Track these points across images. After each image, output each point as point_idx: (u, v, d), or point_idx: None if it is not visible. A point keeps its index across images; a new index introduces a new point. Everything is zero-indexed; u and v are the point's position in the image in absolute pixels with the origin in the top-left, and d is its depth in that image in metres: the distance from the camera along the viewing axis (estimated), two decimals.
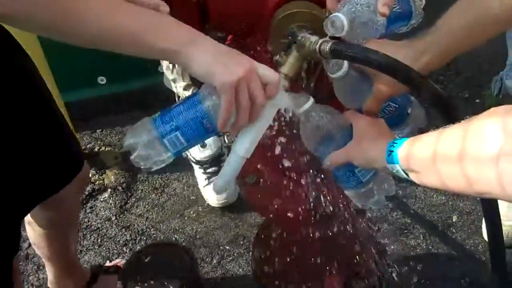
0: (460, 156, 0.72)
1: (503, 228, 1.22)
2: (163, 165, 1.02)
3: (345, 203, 1.40)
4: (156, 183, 2.41)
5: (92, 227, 2.25)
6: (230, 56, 0.94)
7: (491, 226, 1.05)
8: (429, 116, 1.14)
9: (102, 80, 2.54)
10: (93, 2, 0.87)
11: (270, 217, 1.69)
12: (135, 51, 0.93)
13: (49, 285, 1.87)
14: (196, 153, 2.26)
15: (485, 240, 2.03)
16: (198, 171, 2.33)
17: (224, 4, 1.14)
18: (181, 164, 2.45)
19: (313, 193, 1.40)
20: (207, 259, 2.10)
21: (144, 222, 2.25)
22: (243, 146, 1.00)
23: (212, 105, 0.96)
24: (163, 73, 2.35)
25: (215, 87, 0.92)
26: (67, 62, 2.27)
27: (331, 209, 1.44)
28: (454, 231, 2.13)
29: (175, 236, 2.20)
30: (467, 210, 2.18)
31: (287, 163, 1.38)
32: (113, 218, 2.28)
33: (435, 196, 2.24)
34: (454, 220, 2.16)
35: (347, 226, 1.53)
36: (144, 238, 2.20)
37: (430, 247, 2.06)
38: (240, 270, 2.05)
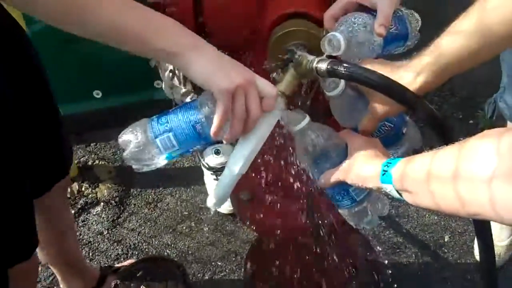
0: (453, 177, 0.72)
1: (495, 248, 1.22)
2: (155, 167, 1.02)
3: (338, 220, 1.40)
4: (149, 197, 2.41)
5: (84, 240, 2.24)
6: (231, 64, 0.95)
7: (484, 246, 1.06)
8: (424, 136, 1.14)
9: (97, 94, 2.55)
10: None
11: (263, 233, 1.69)
12: (138, 49, 0.94)
13: (60, 284, 1.91)
14: (210, 159, 2.28)
15: (477, 260, 2.03)
16: (209, 177, 2.33)
17: (222, 21, 1.14)
18: (174, 179, 2.46)
19: (307, 210, 1.41)
20: (198, 275, 2.09)
21: (136, 237, 2.25)
22: (238, 163, 1.00)
23: (208, 111, 0.96)
24: (158, 87, 2.35)
25: (213, 93, 0.93)
26: (63, 76, 2.27)
27: (325, 226, 1.45)
28: (446, 250, 2.14)
29: (167, 251, 2.19)
30: (459, 230, 2.19)
31: (281, 180, 1.38)
32: (105, 232, 2.27)
33: (427, 215, 2.24)
34: (446, 240, 2.17)
35: (341, 244, 1.53)
36: (136, 253, 2.19)
37: (422, 267, 2.06)
38: (232, 286, 2.04)
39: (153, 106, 2.51)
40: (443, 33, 0.94)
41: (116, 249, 2.20)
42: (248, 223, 1.61)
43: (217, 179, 2.27)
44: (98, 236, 2.25)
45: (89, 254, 2.18)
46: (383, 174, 0.90)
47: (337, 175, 1.03)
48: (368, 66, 0.97)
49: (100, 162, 2.56)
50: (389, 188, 0.89)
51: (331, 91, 1.05)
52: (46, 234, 1.63)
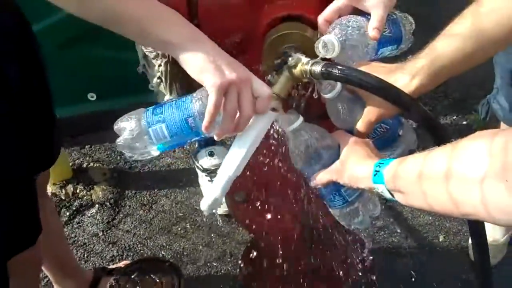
0: (445, 177, 0.72)
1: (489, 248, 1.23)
2: (147, 157, 1.03)
3: (333, 222, 1.41)
4: (144, 199, 2.41)
5: (79, 242, 2.23)
6: (227, 61, 0.95)
7: (478, 245, 1.06)
8: (420, 139, 1.15)
9: (92, 96, 2.54)
10: None
11: (258, 234, 1.69)
12: (137, 37, 0.96)
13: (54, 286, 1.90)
14: (204, 161, 2.29)
15: (472, 260, 2.04)
16: (203, 179, 2.34)
17: (217, 24, 1.15)
18: (169, 181, 2.46)
19: (302, 211, 1.41)
20: (194, 276, 2.09)
21: (132, 238, 2.25)
22: (233, 165, 1.01)
23: (201, 106, 0.96)
24: (153, 90, 2.35)
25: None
26: (57, 78, 2.26)
27: (320, 227, 1.45)
28: (440, 250, 2.15)
29: (162, 252, 2.19)
30: (454, 230, 2.20)
31: (276, 181, 1.39)
32: (100, 234, 2.27)
33: (422, 216, 2.25)
34: (440, 240, 2.18)
35: (335, 245, 1.54)
36: (131, 254, 2.18)
37: (417, 267, 2.07)
38: (228, 287, 2.04)
39: None
40: (438, 36, 0.95)
41: (111, 250, 2.20)
42: (243, 224, 1.62)
43: (211, 181, 2.27)
44: (93, 238, 2.25)
45: (84, 256, 2.18)
46: (375, 175, 0.90)
47: (329, 175, 1.04)
48: (364, 69, 0.97)
49: (95, 165, 2.55)
50: (381, 189, 0.89)
51: (327, 93, 1.06)
52: None
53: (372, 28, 1.03)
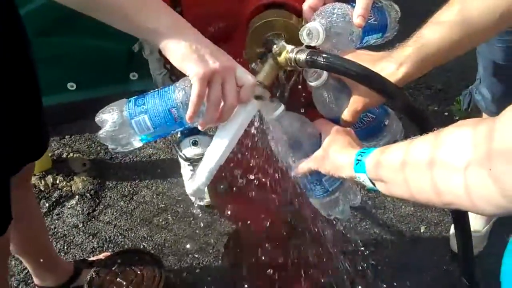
0: (429, 165, 0.72)
1: None
2: (130, 148, 1.01)
3: (314, 212, 1.41)
4: (125, 190, 2.39)
5: (59, 234, 2.21)
6: (211, 50, 0.93)
7: (461, 235, 1.07)
8: (406, 130, 1.15)
9: (72, 86, 2.52)
10: None
11: (240, 225, 1.68)
12: (120, 23, 0.94)
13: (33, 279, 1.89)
14: (188, 150, 2.28)
15: (453, 250, 2.06)
16: (186, 168, 2.33)
17: (200, 11, 1.13)
18: (150, 172, 2.44)
19: (284, 201, 1.40)
20: (175, 267, 2.08)
21: (112, 230, 2.23)
22: (217, 153, 1.00)
23: (184, 96, 0.95)
24: (134, 79, 2.33)
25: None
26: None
27: (302, 217, 1.44)
28: (422, 241, 2.15)
29: (144, 244, 2.17)
30: (435, 221, 2.21)
31: (258, 171, 1.38)
32: (80, 225, 2.24)
33: (403, 206, 2.26)
34: (422, 230, 2.19)
35: (317, 235, 1.53)
36: (112, 246, 2.17)
37: (399, 257, 2.08)
38: (209, 278, 2.03)
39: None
40: (426, 24, 0.94)
41: (92, 242, 2.18)
42: (225, 214, 1.61)
43: (193, 171, 2.26)
44: (73, 229, 2.23)
45: (64, 248, 2.16)
46: (356, 164, 0.90)
47: (310, 164, 1.03)
48: (350, 57, 0.97)
49: (75, 155, 2.52)
50: (363, 178, 0.89)
51: (313, 81, 1.05)
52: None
53: (357, 15, 1.02)
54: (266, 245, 1.56)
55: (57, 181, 2.38)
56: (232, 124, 0.99)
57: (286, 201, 1.39)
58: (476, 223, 2.04)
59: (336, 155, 0.98)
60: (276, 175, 1.32)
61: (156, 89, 0.99)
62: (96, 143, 2.57)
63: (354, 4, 1.04)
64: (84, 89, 2.57)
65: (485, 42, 1.47)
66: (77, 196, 2.35)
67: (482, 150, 0.64)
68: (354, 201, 1.12)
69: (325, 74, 1.04)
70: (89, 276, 1.85)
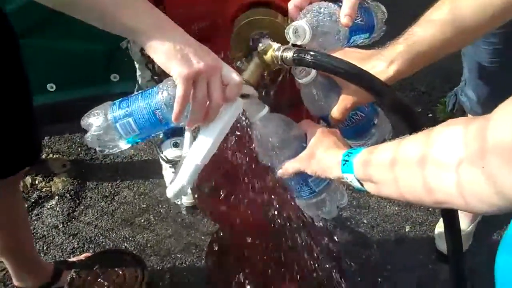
0: (420, 163, 0.72)
1: None
2: (117, 150, 1.00)
3: (300, 212, 1.40)
4: (106, 191, 2.36)
5: (38, 234, 2.18)
6: (195, 49, 0.91)
7: (451, 232, 1.06)
8: (396, 130, 1.13)
9: (51, 87, 2.51)
10: None
11: (224, 225, 1.67)
12: (103, 23, 0.91)
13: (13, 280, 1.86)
14: (169, 152, 2.24)
15: (438, 250, 2.06)
16: (168, 171, 2.30)
17: (183, 10, 1.11)
18: (132, 172, 2.43)
19: (269, 202, 1.39)
20: (158, 268, 2.06)
21: (93, 230, 2.20)
22: (201, 153, 0.98)
23: (167, 97, 0.94)
24: (115, 81, 2.32)
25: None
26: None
27: (286, 217, 1.43)
28: (407, 241, 2.16)
29: (125, 244, 2.15)
30: (420, 221, 2.21)
31: (242, 172, 1.36)
32: (60, 226, 2.22)
33: (388, 206, 2.26)
34: (407, 230, 2.19)
35: (302, 235, 1.52)
36: (93, 246, 2.15)
37: (384, 257, 2.08)
38: (192, 278, 2.02)
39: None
40: (417, 22, 0.94)
41: (72, 242, 2.15)
42: (208, 214, 1.59)
43: (175, 173, 2.24)
44: (53, 230, 2.20)
45: (43, 248, 2.13)
46: (344, 164, 0.89)
47: (296, 164, 1.01)
48: (339, 55, 0.96)
49: (54, 156, 2.50)
50: (350, 178, 0.88)
51: (302, 78, 1.03)
52: None
53: (344, 15, 1.01)
54: (250, 245, 1.55)
55: (36, 182, 2.36)
56: (217, 123, 0.98)
57: (270, 200, 1.38)
58: (462, 222, 2.05)
59: (323, 155, 0.97)
60: (260, 175, 1.31)
61: (140, 91, 0.98)
62: (76, 144, 2.54)
63: (340, 4, 1.03)
64: (64, 90, 2.56)
65: (477, 40, 1.47)
66: (56, 197, 2.32)
67: (475, 148, 0.63)
68: (342, 201, 1.11)
69: (313, 71, 1.02)
70: (69, 277, 1.83)
